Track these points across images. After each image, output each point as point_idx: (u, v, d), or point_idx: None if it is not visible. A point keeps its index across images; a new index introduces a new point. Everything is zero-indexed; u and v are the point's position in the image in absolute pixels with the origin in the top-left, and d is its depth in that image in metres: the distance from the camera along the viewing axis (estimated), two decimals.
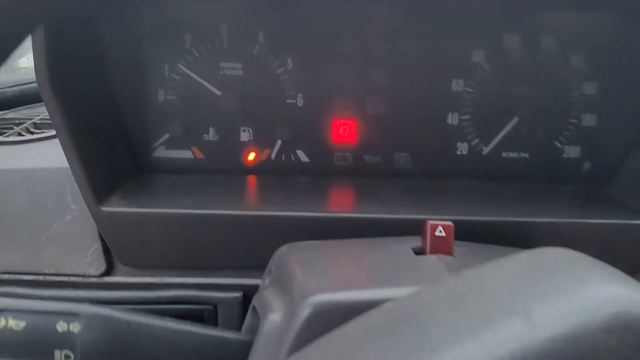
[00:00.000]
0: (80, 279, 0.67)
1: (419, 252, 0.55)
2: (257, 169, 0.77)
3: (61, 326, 0.44)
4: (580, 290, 0.30)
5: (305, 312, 0.44)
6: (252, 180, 0.75)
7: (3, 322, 0.44)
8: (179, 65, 0.73)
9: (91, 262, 0.67)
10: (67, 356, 0.44)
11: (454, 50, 0.74)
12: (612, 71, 0.74)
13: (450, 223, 0.54)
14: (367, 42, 0.74)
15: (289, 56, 0.74)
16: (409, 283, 0.46)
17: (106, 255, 0.67)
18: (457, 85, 0.75)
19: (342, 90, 0.75)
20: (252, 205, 0.67)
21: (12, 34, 0.29)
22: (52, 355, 0.44)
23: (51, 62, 0.57)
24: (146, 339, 0.46)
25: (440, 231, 0.54)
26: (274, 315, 0.48)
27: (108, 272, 0.68)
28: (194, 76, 0.73)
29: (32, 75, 0.97)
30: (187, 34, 0.72)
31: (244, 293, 0.68)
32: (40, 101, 0.91)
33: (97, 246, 0.67)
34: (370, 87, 0.75)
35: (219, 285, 0.68)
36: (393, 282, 0.48)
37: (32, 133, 0.77)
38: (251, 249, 0.65)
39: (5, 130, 0.77)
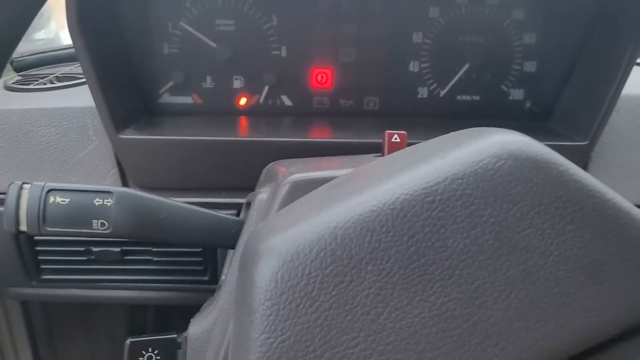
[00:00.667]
0: None
1: (379, 156, 0.68)
2: (247, 111, 0.90)
3: (97, 201, 0.56)
4: (482, 139, 0.43)
5: (285, 187, 0.57)
6: (243, 119, 0.88)
7: (52, 198, 0.56)
8: (181, 22, 0.86)
9: (110, 184, 0.80)
10: (102, 224, 0.56)
11: (413, 7, 0.86)
12: (548, 24, 0.87)
13: (404, 132, 0.67)
14: (340, 1, 0.86)
15: (274, 13, 0.86)
16: None
17: (122, 179, 0.80)
18: (417, 37, 0.88)
19: (319, 43, 0.88)
20: (243, 134, 0.79)
21: None
22: (90, 223, 0.56)
23: (80, 14, 0.69)
24: (164, 213, 0.58)
25: (396, 138, 0.67)
26: (262, 195, 0.60)
27: None
28: (193, 31, 0.86)
29: (48, 46, 1.09)
30: None
31: (238, 211, 0.81)
32: (56, 64, 1.04)
33: (115, 171, 0.80)
34: (342, 40, 0.88)
35: (217, 204, 0.80)
36: (354, 166, 0.61)
37: (54, 83, 0.89)
38: (243, 171, 0.78)
39: (32, 82, 0.89)
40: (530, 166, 0.41)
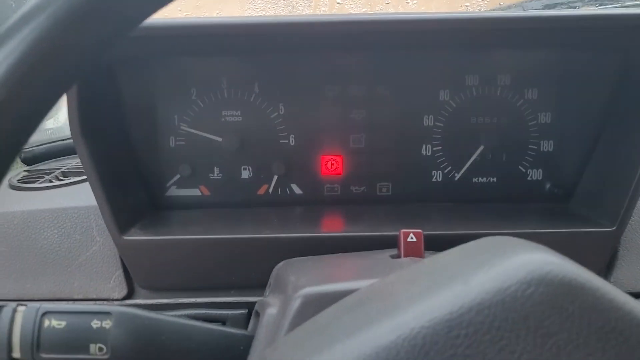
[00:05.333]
0: (105, 303, 0.76)
1: (395, 257, 0.64)
2: (257, 201, 0.87)
3: (95, 323, 0.53)
4: (506, 258, 0.39)
5: (297, 302, 0.53)
6: (253, 211, 0.85)
7: (47, 322, 0.53)
8: (186, 116, 0.85)
9: (114, 287, 0.76)
10: (100, 348, 0.52)
11: (423, 91, 0.85)
12: (563, 101, 0.85)
13: (419, 230, 0.63)
14: (347, 88, 0.85)
15: (280, 102, 0.85)
16: (383, 276, 0.55)
17: (127, 281, 0.76)
18: (428, 120, 0.86)
19: (327, 130, 0.86)
20: (253, 229, 0.76)
21: (52, 92, 0.37)
22: (87, 349, 0.52)
23: (81, 113, 0.68)
24: (166, 333, 0.54)
25: (412, 237, 0.63)
26: (271, 309, 0.56)
27: (129, 295, 0.77)
28: (195, 132, 0.84)
29: (57, 135, 1.09)
30: (192, 88, 0.84)
31: (248, 309, 0.76)
32: (64, 155, 1.03)
33: (119, 272, 0.76)
34: (352, 126, 0.86)
35: (226, 304, 0.76)
36: (369, 276, 0.57)
37: (60, 180, 0.88)
38: (253, 268, 0.74)
39: (37, 179, 0.88)
40: (563, 292, 0.36)
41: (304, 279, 0.57)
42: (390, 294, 0.42)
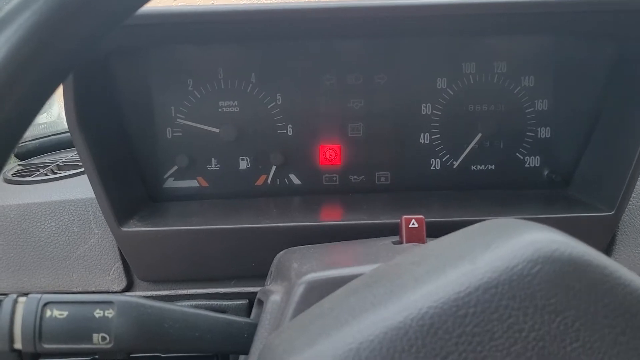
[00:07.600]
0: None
1: (397, 243, 0.64)
2: (255, 192, 0.87)
3: (98, 313, 0.52)
4: (512, 238, 0.39)
5: (300, 288, 0.53)
6: (251, 202, 0.85)
7: (49, 312, 0.52)
8: (183, 107, 0.84)
9: (113, 280, 0.76)
10: (103, 338, 0.52)
11: (421, 79, 0.85)
12: (559, 88, 0.85)
13: (421, 216, 0.63)
14: (344, 77, 0.84)
15: (278, 92, 0.84)
16: (386, 261, 0.55)
17: (126, 273, 0.76)
18: (425, 109, 0.86)
19: (325, 119, 0.85)
20: (252, 219, 0.76)
21: (50, 79, 0.37)
22: (90, 338, 0.52)
23: (78, 104, 0.68)
24: (169, 321, 0.54)
25: (414, 223, 0.63)
26: (275, 297, 0.56)
27: (128, 287, 0.76)
28: (192, 123, 0.84)
29: (50, 129, 1.08)
30: (189, 78, 0.83)
31: (249, 300, 0.76)
32: (58, 149, 1.02)
33: (118, 265, 0.76)
34: (350, 115, 0.86)
35: (227, 294, 0.76)
36: (373, 261, 0.57)
37: (55, 173, 0.87)
38: (253, 259, 0.74)
39: (32, 172, 0.87)
40: (570, 270, 0.36)
41: (307, 265, 0.57)
42: (396, 276, 0.42)
